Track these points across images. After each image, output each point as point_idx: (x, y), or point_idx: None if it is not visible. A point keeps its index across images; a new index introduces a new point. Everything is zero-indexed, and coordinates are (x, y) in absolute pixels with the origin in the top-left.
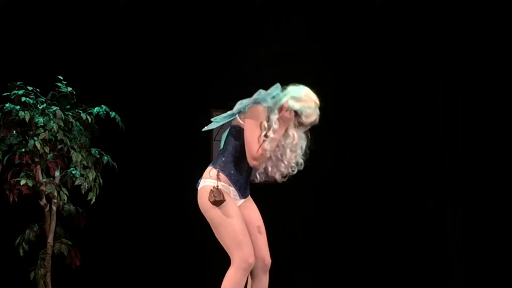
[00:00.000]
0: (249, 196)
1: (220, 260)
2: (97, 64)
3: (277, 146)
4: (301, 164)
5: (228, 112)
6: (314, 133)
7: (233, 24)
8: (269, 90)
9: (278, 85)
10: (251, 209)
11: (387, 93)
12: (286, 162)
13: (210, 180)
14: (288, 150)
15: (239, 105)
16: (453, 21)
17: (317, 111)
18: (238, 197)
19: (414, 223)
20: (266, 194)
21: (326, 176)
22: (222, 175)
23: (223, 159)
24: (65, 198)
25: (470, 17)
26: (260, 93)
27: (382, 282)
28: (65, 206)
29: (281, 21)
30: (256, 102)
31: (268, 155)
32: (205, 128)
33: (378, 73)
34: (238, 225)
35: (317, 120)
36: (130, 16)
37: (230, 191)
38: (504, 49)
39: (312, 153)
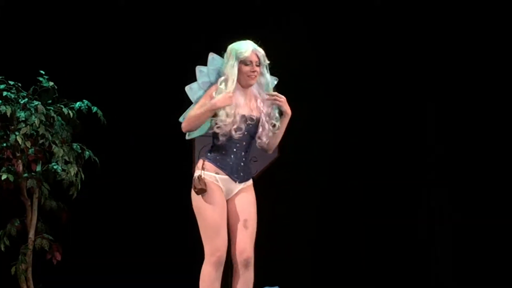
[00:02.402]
0: (251, 184)
1: None
2: (79, 59)
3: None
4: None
5: (192, 106)
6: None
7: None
8: (208, 65)
9: (211, 54)
10: (243, 201)
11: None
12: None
13: (198, 170)
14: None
15: (193, 93)
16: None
17: (247, 46)
18: (232, 182)
19: (406, 222)
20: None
21: (317, 177)
22: (207, 164)
23: (210, 147)
24: (47, 193)
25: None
26: (202, 72)
27: (377, 282)
28: (46, 201)
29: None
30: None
31: (192, 120)
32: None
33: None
34: (211, 217)
35: (258, 54)
36: (112, 11)
37: (217, 180)
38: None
39: (307, 154)
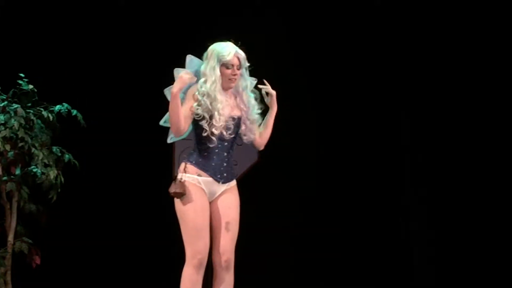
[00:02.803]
0: (234, 185)
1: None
2: (59, 62)
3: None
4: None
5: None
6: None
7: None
8: (186, 67)
9: (189, 56)
10: (226, 202)
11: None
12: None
13: (180, 174)
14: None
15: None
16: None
17: (230, 49)
18: (215, 183)
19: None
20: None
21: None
22: (189, 166)
23: (192, 150)
24: (26, 196)
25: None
26: (178, 71)
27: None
28: (25, 204)
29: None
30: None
31: (172, 122)
32: (170, 141)
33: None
34: (193, 220)
35: (239, 58)
36: (91, 13)
37: (199, 182)
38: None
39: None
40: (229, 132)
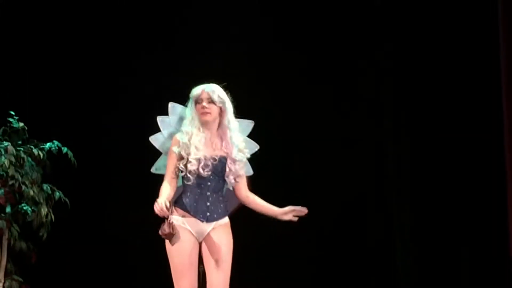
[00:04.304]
0: (224, 223)
1: None
2: (49, 100)
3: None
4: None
5: (162, 156)
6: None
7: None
8: (170, 114)
9: (171, 103)
10: (214, 241)
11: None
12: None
13: (169, 215)
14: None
15: (159, 143)
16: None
17: (200, 87)
18: (200, 222)
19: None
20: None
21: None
22: (174, 208)
23: (179, 192)
24: (16, 234)
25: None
26: (165, 122)
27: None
28: (16, 242)
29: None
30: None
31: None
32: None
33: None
34: (177, 260)
35: (209, 93)
36: (81, 52)
37: (184, 222)
38: None
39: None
40: (206, 170)
